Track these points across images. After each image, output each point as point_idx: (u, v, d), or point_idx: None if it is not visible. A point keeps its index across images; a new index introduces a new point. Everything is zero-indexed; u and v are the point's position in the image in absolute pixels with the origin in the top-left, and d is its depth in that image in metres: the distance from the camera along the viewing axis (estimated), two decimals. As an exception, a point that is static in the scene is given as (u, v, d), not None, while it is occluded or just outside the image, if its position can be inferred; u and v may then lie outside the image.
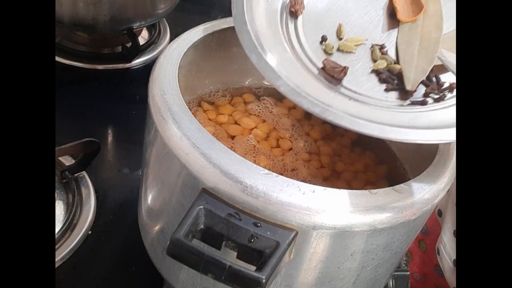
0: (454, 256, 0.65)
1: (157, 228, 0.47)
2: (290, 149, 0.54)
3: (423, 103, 0.44)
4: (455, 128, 0.39)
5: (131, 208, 0.57)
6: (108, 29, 0.81)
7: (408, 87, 0.44)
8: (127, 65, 0.84)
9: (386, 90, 0.45)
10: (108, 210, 0.62)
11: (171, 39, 0.86)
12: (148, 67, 0.82)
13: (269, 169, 0.39)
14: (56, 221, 0.58)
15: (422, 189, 0.41)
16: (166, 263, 0.47)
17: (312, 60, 0.46)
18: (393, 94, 0.45)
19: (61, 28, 0.82)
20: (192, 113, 0.42)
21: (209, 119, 0.55)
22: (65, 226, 0.57)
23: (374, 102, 0.44)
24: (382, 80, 0.46)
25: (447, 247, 0.65)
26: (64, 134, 0.59)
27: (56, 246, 0.56)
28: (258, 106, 0.57)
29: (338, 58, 0.47)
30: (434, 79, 0.46)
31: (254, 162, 0.42)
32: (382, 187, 0.40)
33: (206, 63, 0.54)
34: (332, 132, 0.58)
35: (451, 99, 0.45)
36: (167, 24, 0.97)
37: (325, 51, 0.47)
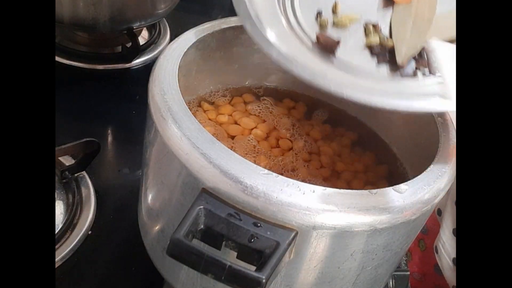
0: (453, 255, 0.65)
1: (157, 228, 0.47)
2: (290, 149, 0.54)
3: (413, 77, 0.44)
4: (444, 98, 0.39)
5: (131, 208, 0.57)
6: (108, 29, 0.81)
7: (399, 60, 0.45)
8: (127, 65, 0.84)
9: (378, 63, 0.45)
10: (108, 210, 0.62)
11: (171, 39, 0.86)
12: (148, 67, 0.82)
13: (269, 169, 0.39)
14: (56, 221, 0.58)
15: (422, 189, 0.41)
16: (166, 263, 0.47)
17: (307, 33, 0.47)
18: (384, 68, 0.45)
19: (61, 28, 0.82)
20: (192, 113, 0.42)
21: (209, 119, 0.55)
22: (65, 226, 0.57)
23: (365, 74, 0.44)
24: (374, 54, 0.46)
25: (446, 245, 0.65)
26: (64, 134, 0.59)
27: (56, 246, 0.56)
28: (258, 106, 0.57)
29: (332, 33, 0.47)
30: (425, 56, 0.46)
31: (254, 162, 0.42)
32: (382, 187, 0.40)
33: (206, 63, 0.54)
34: (332, 132, 0.58)
35: (440, 76, 0.45)
36: (167, 24, 0.97)
37: (320, 26, 0.48)
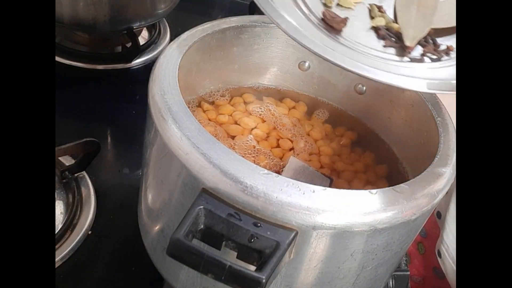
0: (455, 257, 0.64)
1: (157, 228, 0.47)
2: (290, 149, 0.54)
3: (420, 61, 0.44)
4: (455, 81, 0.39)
5: (131, 208, 0.57)
6: (108, 29, 0.81)
7: (408, 42, 0.45)
8: (127, 65, 0.84)
9: (385, 46, 0.45)
10: (108, 210, 0.62)
11: (171, 39, 0.86)
12: (148, 67, 0.82)
13: (269, 169, 0.39)
14: (56, 221, 0.58)
15: (422, 189, 0.41)
16: (166, 263, 0.47)
17: (312, 11, 0.46)
18: (391, 51, 0.45)
19: (61, 28, 0.82)
20: (192, 113, 0.42)
21: (209, 119, 0.55)
22: (65, 226, 0.57)
23: (374, 55, 0.44)
24: (380, 37, 0.46)
25: (450, 249, 0.65)
26: (64, 134, 0.59)
27: (56, 246, 0.56)
28: (258, 106, 0.57)
29: (337, 13, 0.47)
30: (431, 41, 0.46)
31: (254, 162, 0.42)
32: (382, 187, 0.40)
33: (206, 63, 0.54)
34: (332, 132, 0.58)
35: (448, 60, 0.45)
36: (167, 24, 0.97)
37: (325, 4, 0.47)
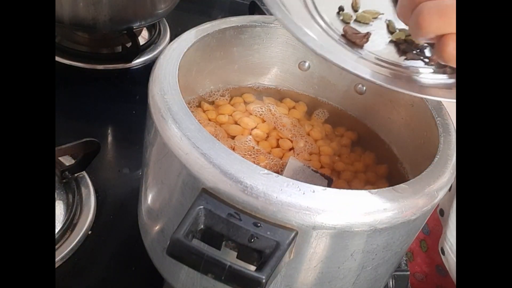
0: (455, 256, 0.64)
1: (157, 228, 0.47)
2: (290, 149, 0.54)
3: (444, 72, 0.44)
4: None
5: (131, 208, 0.57)
6: (108, 29, 0.81)
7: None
8: (127, 65, 0.84)
9: (407, 59, 0.45)
10: (108, 210, 0.62)
11: (171, 39, 0.86)
12: (148, 67, 0.82)
13: (269, 169, 0.39)
14: (56, 221, 0.58)
15: (422, 189, 0.41)
16: (166, 263, 0.47)
17: (332, 27, 0.46)
18: (414, 63, 0.45)
19: (61, 28, 0.82)
20: (192, 113, 0.42)
21: (209, 119, 0.55)
22: (65, 226, 0.57)
23: (397, 68, 0.44)
24: (401, 52, 0.46)
25: (453, 247, 0.65)
26: (64, 134, 0.59)
27: (56, 246, 0.56)
28: (258, 106, 0.57)
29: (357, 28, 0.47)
30: None
31: (254, 162, 0.42)
32: (382, 187, 0.40)
33: (206, 63, 0.54)
34: (332, 132, 0.58)
35: None
36: (167, 24, 0.97)
37: (343, 21, 0.47)
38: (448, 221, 0.66)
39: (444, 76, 0.44)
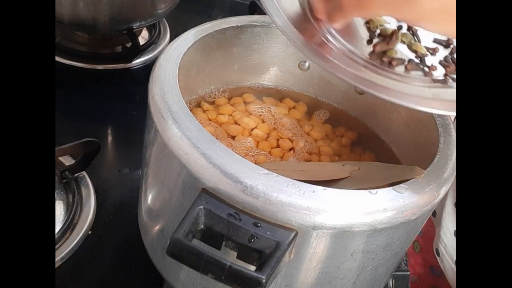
0: (456, 257, 0.64)
1: (157, 228, 0.47)
2: (291, 149, 0.54)
3: (444, 82, 0.44)
4: None
5: (131, 208, 0.57)
6: (108, 29, 0.81)
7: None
8: (127, 65, 0.84)
9: (407, 69, 0.45)
10: (108, 210, 0.62)
11: (171, 39, 0.86)
12: (148, 67, 0.82)
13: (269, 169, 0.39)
14: (56, 221, 0.58)
15: (422, 189, 0.41)
16: (166, 263, 0.47)
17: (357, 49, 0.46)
18: (414, 73, 0.45)
19: (61, 28, 0.82)
20: (192, 113, 0.42)
21: (209, 119, 0.55)
22: (65, 226, 0.57)
23: (397, 77, 0.44)
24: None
25: (448, 248, 0.65)
26: (64, 134, 0.59)
27: (56, 246, 0.56)
28: (259, 106, 0.57)
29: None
30: (451, 61, 0.46)
31: (254, 162, 0.42)
32: (382, 187, 0.40)
33: (206, 63, 0.54)
34: (332, 132, 0.58)
35: None
36: (167, 24, 0.97)
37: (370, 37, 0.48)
38: (440, 221, 0.66)
39: (443, 87, 0.44)
